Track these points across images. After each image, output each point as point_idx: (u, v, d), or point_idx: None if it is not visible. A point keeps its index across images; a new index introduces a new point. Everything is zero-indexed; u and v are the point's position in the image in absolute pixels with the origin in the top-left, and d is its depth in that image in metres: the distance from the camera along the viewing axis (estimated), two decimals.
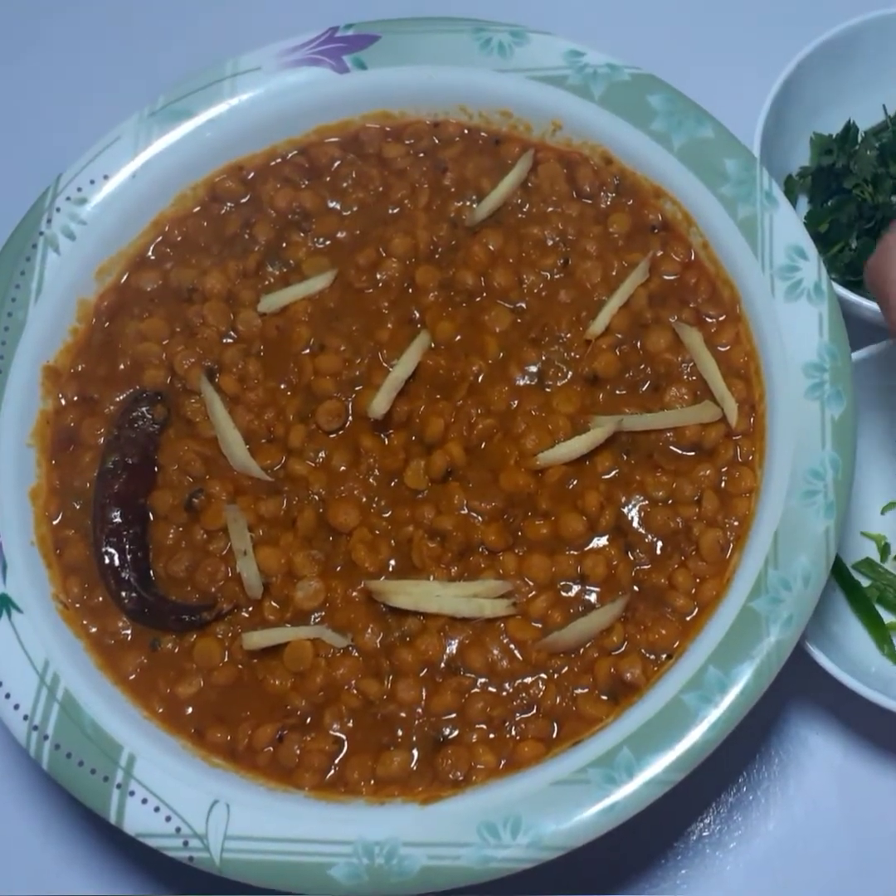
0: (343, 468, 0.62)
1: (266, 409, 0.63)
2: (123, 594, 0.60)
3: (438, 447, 0.62)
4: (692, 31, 0.86)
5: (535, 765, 0.55)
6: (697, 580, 0.59)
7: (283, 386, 0.64)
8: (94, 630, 0.60)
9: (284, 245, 0.68)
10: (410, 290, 0.66)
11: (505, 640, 0.59)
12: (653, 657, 0.58)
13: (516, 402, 0.63)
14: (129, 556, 0.60)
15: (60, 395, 0.64)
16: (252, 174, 0.70)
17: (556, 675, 0.58)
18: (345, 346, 0.65)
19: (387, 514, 0.61)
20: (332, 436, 0.63)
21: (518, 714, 0.57)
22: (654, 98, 0.66)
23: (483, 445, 0.62)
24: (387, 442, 0.63)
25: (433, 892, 0.52)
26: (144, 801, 0.54)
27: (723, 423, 0.61)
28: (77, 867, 0.65)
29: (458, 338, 0.65)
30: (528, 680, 0.58)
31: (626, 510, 0.61)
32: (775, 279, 0.61)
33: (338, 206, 0.69)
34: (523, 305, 0.65)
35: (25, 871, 0.66)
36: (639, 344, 0.64)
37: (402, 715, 0.58)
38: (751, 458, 0.60)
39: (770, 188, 0.63)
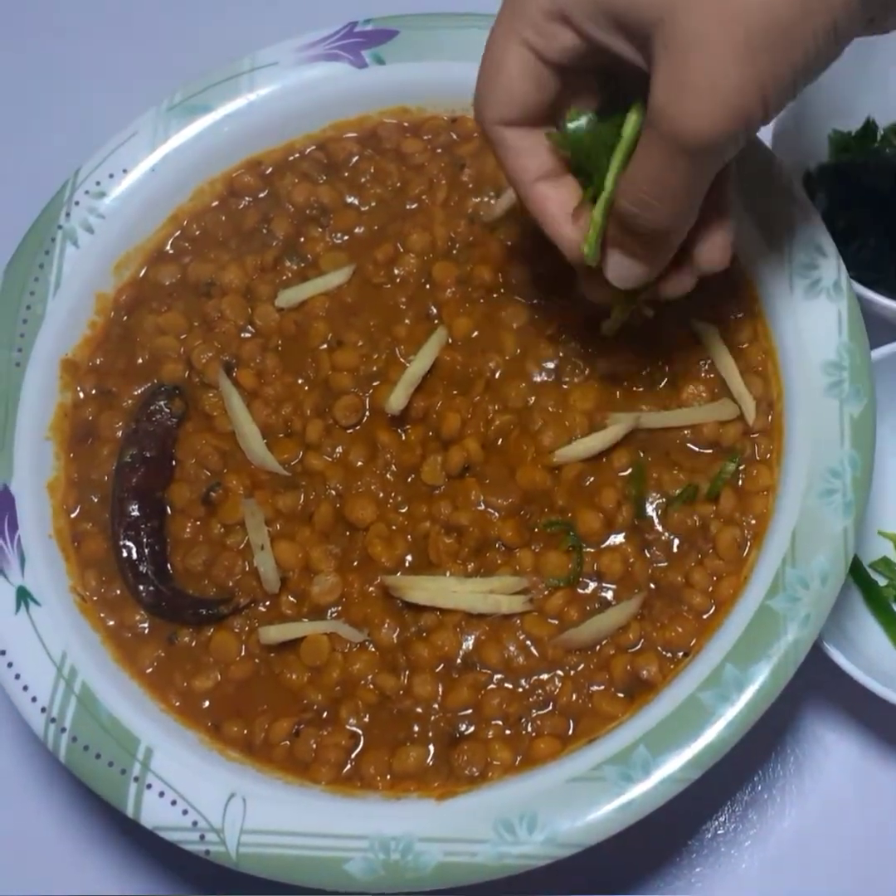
0: (360, 463, 0.62)
1: (283, 403, 0.63)
2: (141, 587, 0.60)
3: (455, 443, 0.62)
4: None
5: (551, 762, 0.55)
6: (714, 578, 0.58)
7: (300, 381, 0.64)
8: (111, 623, 0.60)
9: (302, 240, 0.68)
10: (428, 286, 0.66)
11: (521, 637, 0.59)
12: (669, 655, 0.57)
13: (533, 398, 0.63)
14: (146, 550, 0.61)
15: (79, 389, 0.65)
16: (270, 169, 0.70)
17: (572, 672, 0.58)
18: (362, 341, 0.65)
19: (403, 510, 0.61)
20: (349, 431, 0.63)
21: (534, 710, 0.57)
22: None
23: (500, 442, 0.62)
24: (404, 437, 0.63)
25: (448, 888, 0.52)
26: (161, 794, 0.54)
27: (740, 420, 0.61)
28: (93, 861, 0.66)
29: (476, 334, 0.65)
30: (545, 676, 0.58)
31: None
32: (794, 276, 0.61)
33: (355, 202, 0.69)
34: (540, 302, 0.65)
35: (42, 864, 0.66)
36: (656, 341, 0.63)
37: (419, 710, 0.58)
38: (768, 455, 0.60)
39: (789, 185, 0.63)
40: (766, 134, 0.69)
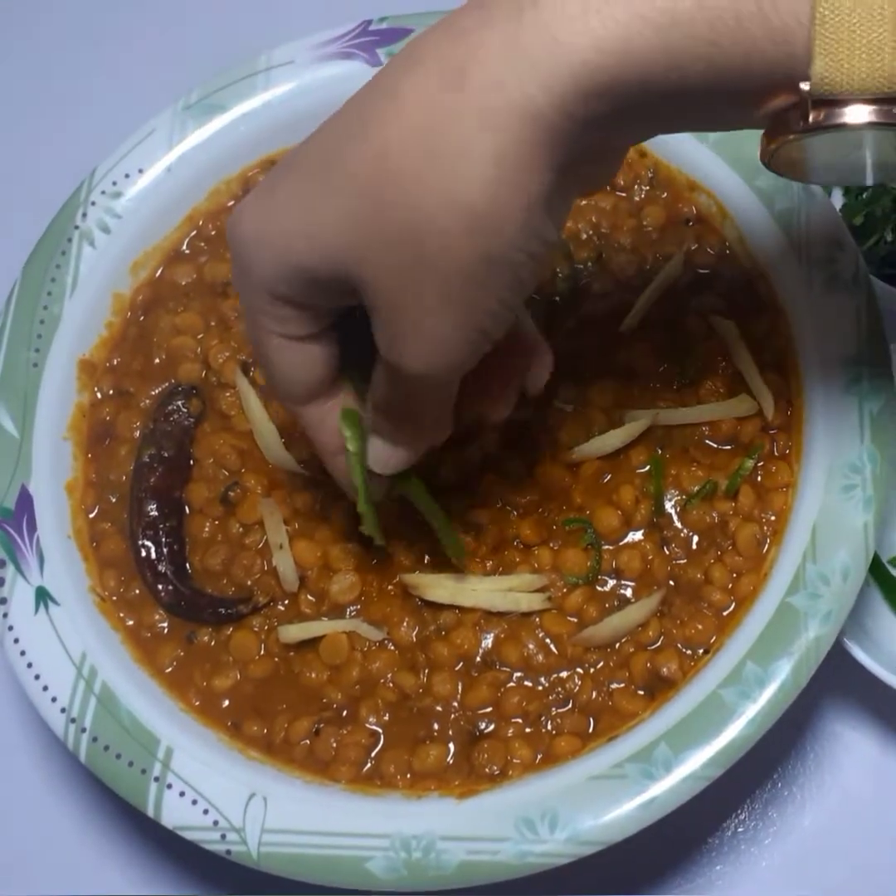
0: None
1: None
2: (160, 587, 0.60)
3: (473, 440, 0.61)
4: None
5: (571, 759, 0.55)
6: (734, 575, 0.58)
7: None
8: (130, 623, 0.60)
9: None
10: None
11: (540, 635, 0.58)
12: (689, 652, 0.57)
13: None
14: (165, 550, 0.61)
15: (96, 389, 0.65)
16: None
17: (591, 670, 0.58)
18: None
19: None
20: None
21: (554, 708, 0.57)
22: None
23: (518, 438, 0.62)
24: None
25: (471, 887, 0.52)
26: (182, 794, 0.55)
27: (759, 416, 0.61)
28: (114, 862, 0.66)
29: None
30: (564, 674, 0.58)
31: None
32: (812, 272, 0.61)
33: None
34: (558, 299, 0.65)
35: (62, 865, 0.66)
36: (674, 337, 0.63)
37: (438, 709, 0.58)
38: (788, 451, 0.60)
39: None
40: None
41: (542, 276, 0.41)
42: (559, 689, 0.58)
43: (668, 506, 0.60)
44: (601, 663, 0.58)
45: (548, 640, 0.58)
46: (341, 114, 0.44)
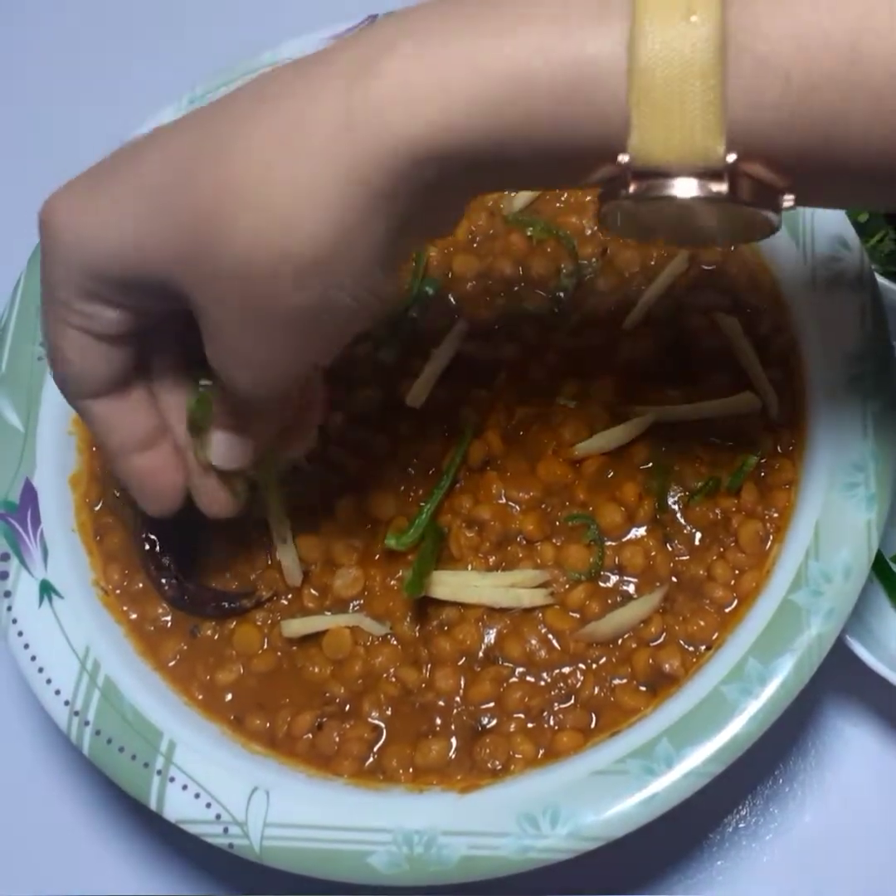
0: (381, 456, 0.62)
1: None
2: (163, 581, 0.60)
3: (476, 436, 0.62)
4: None
5: (573, 755, 0.55)
6: (736, 572, 0.58)
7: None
8: (134, 616, 0.60)
9: None
10: (449, 279, 0.66)
11: (543, 630, 0.59)
12: (691, 648, 0.57)
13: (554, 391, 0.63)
14: (169, 543, 0.61)
15: None
16: None
17: (594, 666, 0.58)
18: (382, 333, 0.64)
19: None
20: (370, 424, 0.63)
21: (556, 704, 0.57)
22: None
23: (521, 435, 0.62)
24: (425, 430, 0.62)
25: (472, 881, 0.52)
26: (185, 787, 0.55)
27: (762, 413, 0.61)
28: (116, 854, 0.66)
29: (496, 327, 0.64)
30: (566, 670, 0.58)
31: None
32: (817, 269, 0.61)
33: None
34: (561, 295, 0.65)
35: (64, 856, 0.66)
36: (677, 334, 0.63)
37: (441, 704, 0.58)
38: (791, 449, 0.60)
39: None
40: None
41: (377, 317, 0.44)
42: (561, 684, 0.58)
43: (671, 502, 0.60)
44: (603, 659, 0.58)
45: (550, 636, 0.58)
46: (191, 128, 0.43)
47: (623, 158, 0.38)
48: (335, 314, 0.42)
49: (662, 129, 0.37)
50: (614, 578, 0.60)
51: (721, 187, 0.38)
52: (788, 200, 0.40)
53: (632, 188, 0.38)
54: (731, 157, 0.37)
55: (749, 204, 0.39)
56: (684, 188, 0.38)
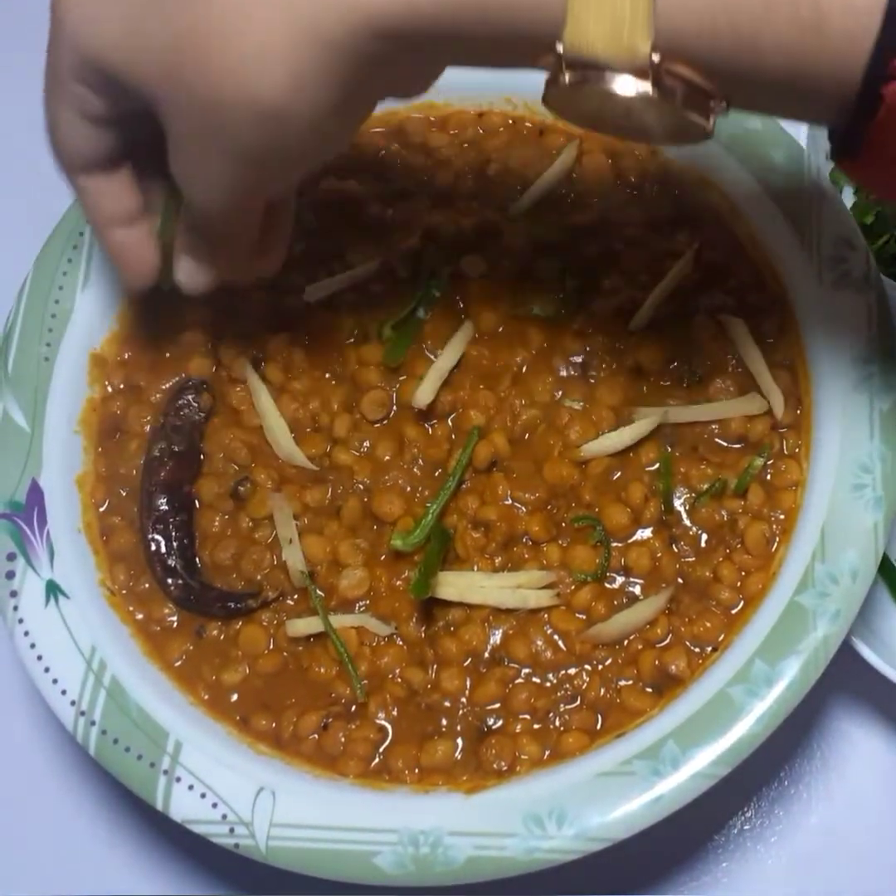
0: (387, 458, 0.62)
1: (311, 398, 0.63)
2: (169, 581, 0.60)
3: (482, 437, 0.62)
4: None
5: (579, 756, 0.55)
6: (743, 573, 0.58)
7: (327, 375, 0.64)
8: (140, 616, 0.60)
9: (329, 233, 0.68)
10: (455, 280, 0.66)
11: (548, 631, 0.59)
12: (698, 650, 0.57)
13: (560, 392, 0.63)
14: (175, 544, 0.61)
15: (107, 383, 0.65)
16: None
17: (599, 667, 0.58)
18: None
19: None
20: (376, 425, 0.63)
21: (562, 705, 0.57)
22: None
23: (527, 436, 0.62)
24: (430, 432, 0.63)
25: (478, 882, 0.52)
26: (191, 787, 0.55)
27: (769, 415, 0.61)
28: (123, 855, 0.66)
29: (502, 328, 0.64)
30: (572, 671, 0.58)
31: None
32: (823, 270, 0.61)
33: (382, 195, 0.69)
34: (567, 295, 0.65)
35: (70, 856, 0.66)
36: (683, 335, 0.63)
37: (447, 704, 0.58)
38: (797, 450, 0.60)
39: (818, 179, 0.62)
40: (799, 126, 0.69)
41: (327, 160, 0.51)
42: (567, 685, 0.58)
43: (678, 504, 0.60)
44: (609, 660, 0.58)
45: (556, 637, 0.58)
46: None
47: (559, 47, 0.40)
48: (285, 154, 0.47)
49: (594, 22, 0.40)
50: (620, 579, 0.60)
51: (646, 85, 0.41)
52: (720, 107, 0.42)
53: (567, 77, 0.41)
54: (656, 57, 0.40)
55: (679, 104, 0.41)
56: (614, 83, 0.41)
